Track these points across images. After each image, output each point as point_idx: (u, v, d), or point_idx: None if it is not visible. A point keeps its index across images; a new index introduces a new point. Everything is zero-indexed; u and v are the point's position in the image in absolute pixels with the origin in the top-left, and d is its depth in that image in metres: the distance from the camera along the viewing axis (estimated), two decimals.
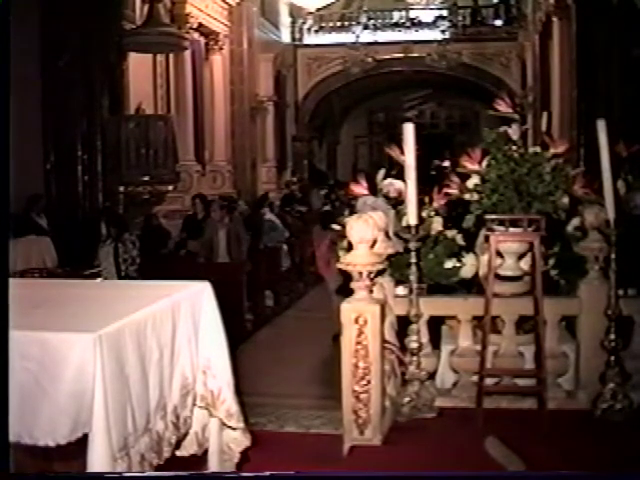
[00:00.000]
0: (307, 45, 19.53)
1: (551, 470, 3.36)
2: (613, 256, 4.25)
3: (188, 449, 3.06)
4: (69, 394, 2.39)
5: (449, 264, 4.68)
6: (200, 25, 13.48)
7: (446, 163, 15.94)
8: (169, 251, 9.66)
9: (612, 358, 4.26)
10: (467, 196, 4.47)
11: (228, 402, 3.08)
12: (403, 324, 4.39)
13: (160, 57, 11.96)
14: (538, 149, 4.44)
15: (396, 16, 20.02)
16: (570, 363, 4.56)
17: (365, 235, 3.90)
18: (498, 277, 4.37)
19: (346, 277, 4.18)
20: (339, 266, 4.09)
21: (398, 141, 4.31)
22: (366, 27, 19.37)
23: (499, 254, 4.37)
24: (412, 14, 19.94)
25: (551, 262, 4.75)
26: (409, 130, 4.16)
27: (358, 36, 19.03)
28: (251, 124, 15.99)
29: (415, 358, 4.30)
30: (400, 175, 4.37)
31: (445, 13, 19.52)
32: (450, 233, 4.74)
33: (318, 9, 18.44)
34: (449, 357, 4.66)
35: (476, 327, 4.61)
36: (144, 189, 9.76)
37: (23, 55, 6.92)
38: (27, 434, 2.39)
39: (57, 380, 2.39)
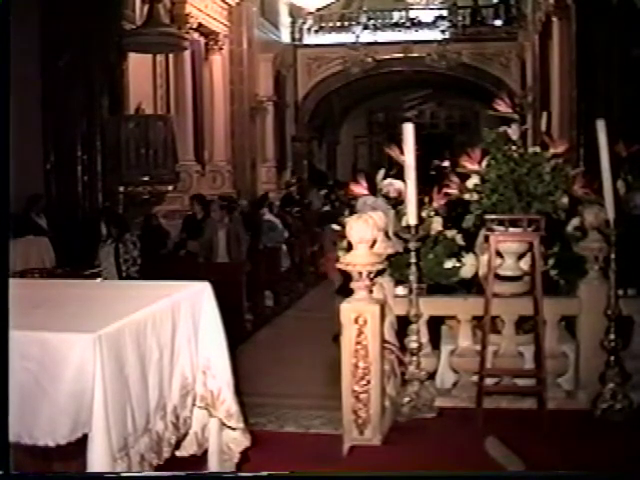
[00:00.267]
0: (307, 45, 19.52)
1: (551, 470, 3.36)
2: (613, 256, 4.24)
3: (188, 449, 3.06)
4: (69, 394, 2.39)
5: (449, 264, 4.68)
6: (200, 25, 13.48)
7: (446, 163, 15.93)
8: (169, 251, 9.65)
9: (612, 358, 4.26)
10: (467, 196, 4.46)
11: (228, 402, 3.08)
12: (403, 324, 4.39)
13: (160, 57, 11.95)
14: (538, 149, 4.44)
15: (396, 16, 20.01)
16: (570, 363, 4.56)
17: (365, 235, 3.90)
18: (498, 277, 4.37)
19: (346, 277, 4.19)
20: (339, 266, 4.09)
21: (398, 141, 4.30)
22: (366, 27, 19.37)
23: (499, 254, 4.37)
24: (412, 14, 19.93)
25: (551, 262, 4.75)
26: (409, 130, 4.16)
27: (358, 36, 19.03)
28: (251, 124, 15.98)
29: (415, 358, 4.30)
30: (400, 175, 4.37)
31: (445, 13, 19.51)
32: (450, 233, 4.74)
33: (318, 9, 18.42)
34: (449, 357, 4.66)
35: (476, 327, 4.61)
36: (144, 189, 9.76)
37: (23, 55, 6.92)
38: (27, 434, 2.39)
39: (57, 380, 2.39)
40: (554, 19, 12.23)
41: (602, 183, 4.20)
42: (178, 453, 2.99)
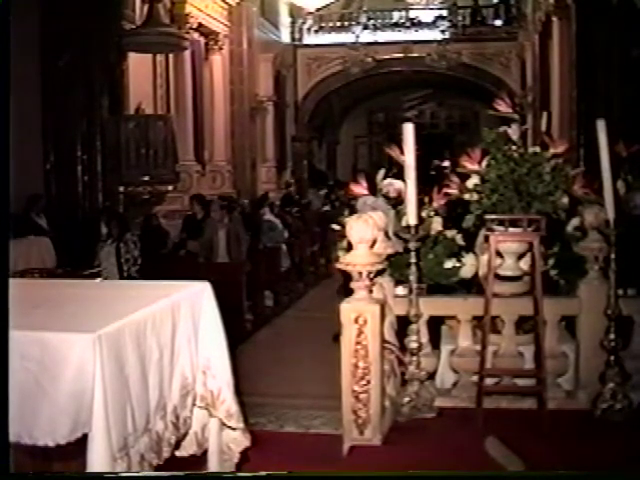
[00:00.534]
0: (307, 45, 19.53)
1: (551, 470, 3.36)
2: (613, 256, 4.24)
3: (188, 449, 3.05)
4: (69, 394, 2.39)
5: (449, 264, 4.68)
6: (200, 25, 13.48)
7: (446, 163, 15.97)
8: (169, 251, 9.65)
9: (612, 358, 4.26)
10: (467, 196, 4.47)
11: (228, 402, 3.08)
12: (403, 324, 4.39)
13: (160, 57, 11.95)
14: (538, 149, 4.44)
15: (396, 16, 20.01)
16: (570, 363, 4.56)
17: (365, 235, 3.91)
18: (498, 277, 4.37)
19: (346, 277, 4.19)
20: (339, 266, 4.09)
21: (398, 141, 4.30)
22: (366, 27, 19.37)
23: (499, 254, 4.37)
24: (412, 14, 19.94)
25: (551, 262, 4.75)
26: (409, 130, 4.16)
27: (358, 36, 19.03)
28: (251, 124, 15.98)
29: (415, 358, 4.30)
30: (400, 175, 4.37)
31: (445, 13, 19.51)
32: (450, 233, 4.74)
33: (318, 9, 18.44)
34: (449, 357, 4.66)
35: (476, 327, 4.61)
36: (144, 189, 9.76)
37: (23, 55, 6.93)
38: (27, 434, 2.39)
39: (57, 380, 2.39)
40: (554, 19, 12.23)
41: (602, 183, 4.20)
42: (178, 453, 2.98)
